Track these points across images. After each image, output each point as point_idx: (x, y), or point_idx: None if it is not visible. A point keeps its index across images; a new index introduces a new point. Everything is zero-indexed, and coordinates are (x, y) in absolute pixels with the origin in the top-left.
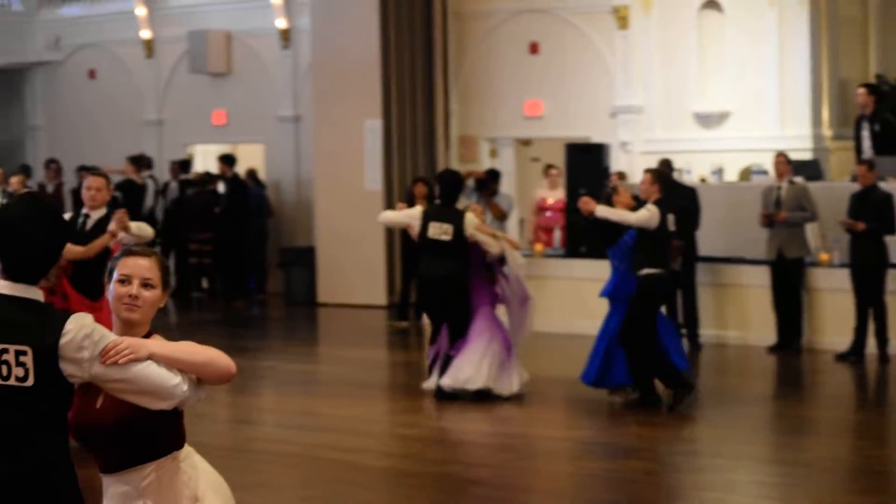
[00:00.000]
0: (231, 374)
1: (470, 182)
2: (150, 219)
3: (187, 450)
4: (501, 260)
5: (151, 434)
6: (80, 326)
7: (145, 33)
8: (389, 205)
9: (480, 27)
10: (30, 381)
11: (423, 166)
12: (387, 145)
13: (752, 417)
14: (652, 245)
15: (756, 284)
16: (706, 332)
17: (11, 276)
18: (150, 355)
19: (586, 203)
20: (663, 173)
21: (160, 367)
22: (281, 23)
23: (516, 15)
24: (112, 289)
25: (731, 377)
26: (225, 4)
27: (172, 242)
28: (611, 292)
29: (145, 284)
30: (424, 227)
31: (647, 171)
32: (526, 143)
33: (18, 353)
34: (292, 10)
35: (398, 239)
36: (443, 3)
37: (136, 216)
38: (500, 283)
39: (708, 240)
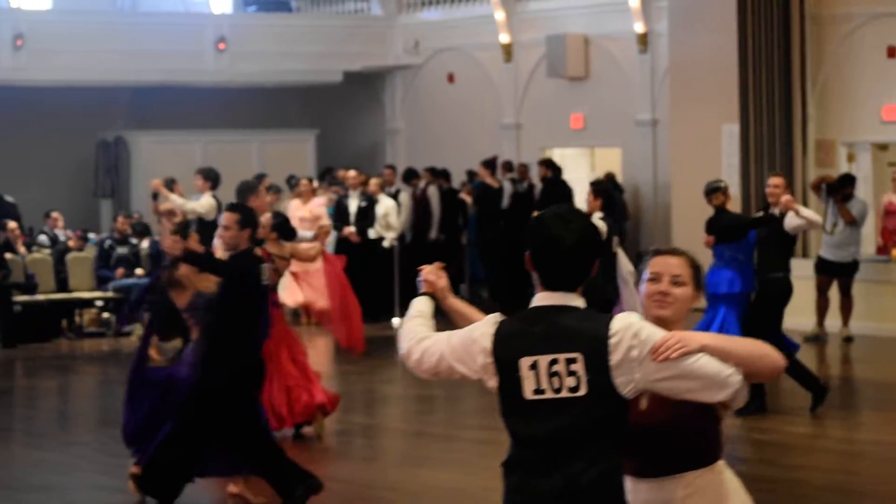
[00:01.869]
0: (781, 369)
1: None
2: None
3: (721, 464)
4: None
5: (694, 439)
6: (626, 326)
7: (503, 37)
8: (746, 209)
9: (838, 31)
10: (582, 391)
11: (781, 171)
12: (744, 149)
13: None
14: (787, 247)
15: None
16: None
17: (550, 287)
18: (701, 347)
19: (790, 202)
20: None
21: (711, 359)
22: (639, 27)
23: (874, 18)
24: (643, 287)
25: None
26: (583, 8)
27: None
28: (728, 289)
29: (675, 282)
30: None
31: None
32: (883, 147)
33: (569, 362)
34: (650, 15)
35: None
36: (800, 6)
37: (491, 220)
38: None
39: None
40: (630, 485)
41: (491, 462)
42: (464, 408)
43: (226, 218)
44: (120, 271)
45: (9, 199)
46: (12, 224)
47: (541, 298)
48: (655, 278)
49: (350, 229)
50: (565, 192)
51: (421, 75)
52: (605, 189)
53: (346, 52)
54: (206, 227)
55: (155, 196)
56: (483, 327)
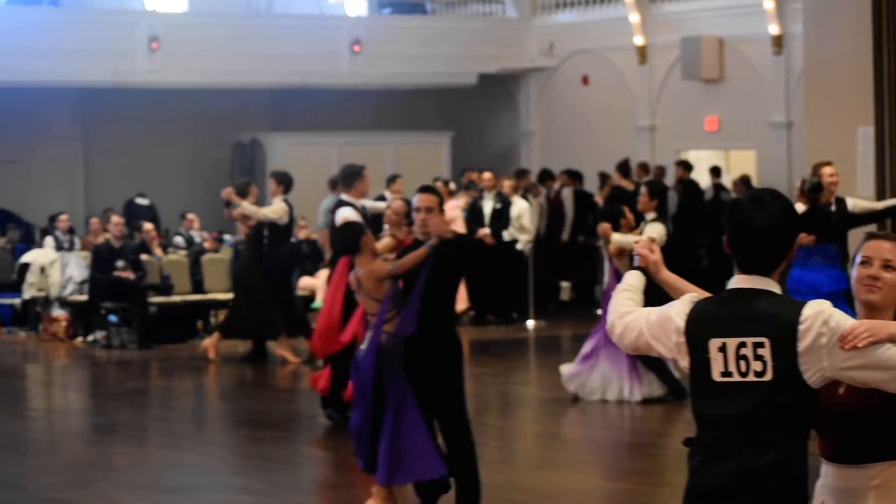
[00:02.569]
0: None
1: None
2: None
3: None
4: None
5: (888, 430)
6: (817, 313)
7: (638, 39)
8: None
9: None
10: (767, 376)
11: None
12: (879, 152)
13: None
14: None
15: None
16: None
17: (745, 269)
18: (890, 337)
19: None
20: None
21: None
22: (773, 29)
23: None
24: (854, 272)
25: None
26: (717, 10)
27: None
28: (837, 287)
29: (886, 266)
30: None
31: None
32: None
33: (756, 346)
34: (785, 16)
35: None
36: None
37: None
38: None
39: None
40: (824, 468)
41: (625, 465)
42: (598, 410)
43: (427, 200)
44: None
45: (142, 201)
46: (148, 226)
47: (736, 281)
48: (866, 262)
49: (485, 231)
50: (698, 192)
51: (555, 77)
52: (662, 190)
53: (481, 54)
54: (278, 231)
55: (227, 204)
56: (679, 306)
